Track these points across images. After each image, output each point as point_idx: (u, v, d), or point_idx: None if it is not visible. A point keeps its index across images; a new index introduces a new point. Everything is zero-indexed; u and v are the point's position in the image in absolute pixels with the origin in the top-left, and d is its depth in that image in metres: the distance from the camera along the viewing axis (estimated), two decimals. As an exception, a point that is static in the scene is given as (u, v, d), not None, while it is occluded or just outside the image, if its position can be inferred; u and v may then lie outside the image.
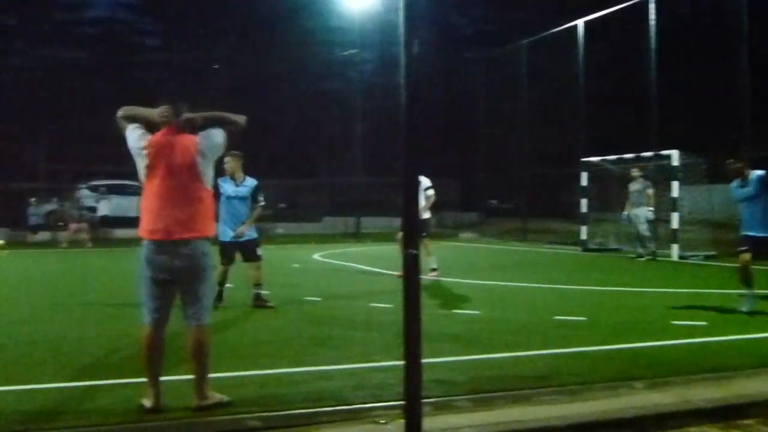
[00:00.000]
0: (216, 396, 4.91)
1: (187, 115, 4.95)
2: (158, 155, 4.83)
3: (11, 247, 22.76)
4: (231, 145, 5.24)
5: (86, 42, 48.17)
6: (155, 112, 4.93)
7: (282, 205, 38.05)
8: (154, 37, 50.48)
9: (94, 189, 31.12)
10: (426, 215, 12.69)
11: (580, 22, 23.03)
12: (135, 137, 4.91)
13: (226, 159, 9.35)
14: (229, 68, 44.24)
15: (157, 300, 4.83)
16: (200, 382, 4.87)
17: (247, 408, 4.83)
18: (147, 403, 4.77)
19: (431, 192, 12.67)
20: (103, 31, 48.40)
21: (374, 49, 44.71)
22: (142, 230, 4.86)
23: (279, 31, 43.18)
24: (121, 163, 4.99)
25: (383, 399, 5.02)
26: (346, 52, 34.18)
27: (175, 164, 4.83)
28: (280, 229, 31.88)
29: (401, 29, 4.12)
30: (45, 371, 5.91)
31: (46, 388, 5.39)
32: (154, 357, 4.85)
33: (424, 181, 12.41)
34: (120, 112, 4.99)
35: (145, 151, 4.85)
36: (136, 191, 16.99)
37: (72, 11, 47.21)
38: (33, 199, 29.64)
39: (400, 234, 12.48)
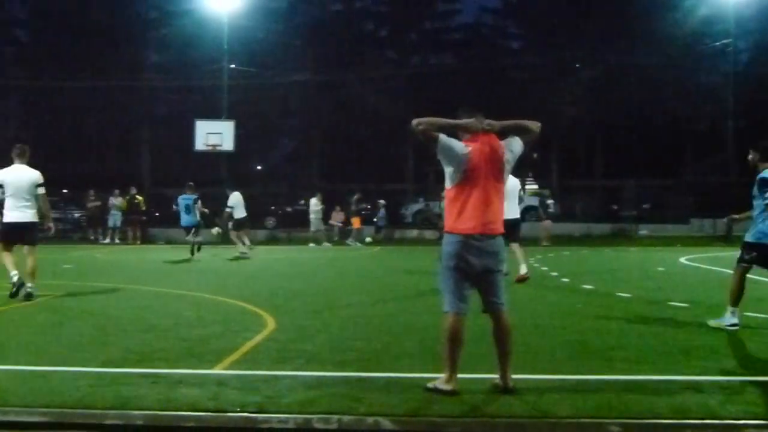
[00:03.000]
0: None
1: (489, 122, 5.30)
2: (480, 161, 5.23)
3: (387, 243, 25.16)
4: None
5: (453, 47, 50.83)
6: (473, 123, 5.27)
7: (645, 206, 36.90)
8: (518, 40, 51.75)
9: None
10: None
11: None
12: (455, 144, 5.29)
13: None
14: (591, 67, 43.84)
15: (465, 290, 5.26)
16: (509, 364, 5.28)
17: (608, 413, 4.73)
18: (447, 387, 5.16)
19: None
20: (469, 36, 50.68)
21: (750, 37, 41.53)
22: (458, 227, 5.24)
23: (643, 24, 41.73)
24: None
25: (758, 416, 4.65)
26: (718, 43, 32.06)
27: (493, 169, 5.27)
28: (644, 230, 31.04)
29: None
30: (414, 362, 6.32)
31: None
32: (459, 344, 5.24)
33: (517, 183, 12.09)
34: (423, 124, 5.22)
35: (467, 157, 5.21)
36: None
37: (440, 19, 50.11)
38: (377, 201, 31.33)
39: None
